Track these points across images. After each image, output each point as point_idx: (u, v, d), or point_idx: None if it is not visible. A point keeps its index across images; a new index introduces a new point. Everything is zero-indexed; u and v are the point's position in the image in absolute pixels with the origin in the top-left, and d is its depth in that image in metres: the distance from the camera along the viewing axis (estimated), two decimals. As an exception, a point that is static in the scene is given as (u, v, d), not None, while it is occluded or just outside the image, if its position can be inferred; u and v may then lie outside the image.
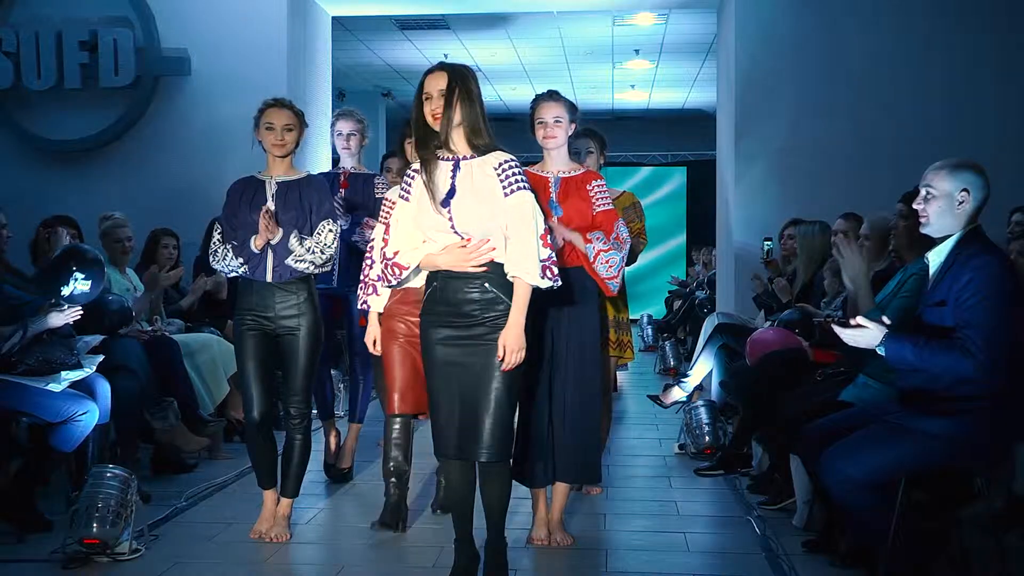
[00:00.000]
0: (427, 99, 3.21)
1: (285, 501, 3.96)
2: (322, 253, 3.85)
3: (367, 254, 4.17)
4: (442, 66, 3.30)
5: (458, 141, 3.20)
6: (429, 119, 3.20)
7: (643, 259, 5.02)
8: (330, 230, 3.88)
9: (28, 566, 3.60)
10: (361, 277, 4.13)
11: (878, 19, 6.56)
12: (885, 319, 3.13)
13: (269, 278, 3.82)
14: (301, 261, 3.80)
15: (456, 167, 3.20)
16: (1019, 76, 6.41)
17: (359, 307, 4.19)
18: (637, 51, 10.85)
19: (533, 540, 3.85)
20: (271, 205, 3.83)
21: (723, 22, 7.44)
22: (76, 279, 4.24)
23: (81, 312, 4.15)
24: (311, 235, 3.85)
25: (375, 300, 4.01)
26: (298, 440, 3.92)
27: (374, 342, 4.05)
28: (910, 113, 6.44)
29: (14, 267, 4.61)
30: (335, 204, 4.38)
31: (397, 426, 3.96)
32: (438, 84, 3.19)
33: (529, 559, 3.71)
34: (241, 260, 3.84)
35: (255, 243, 3.77)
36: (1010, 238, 4.07)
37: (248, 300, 3.87)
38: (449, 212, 3.14)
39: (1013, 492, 3.30)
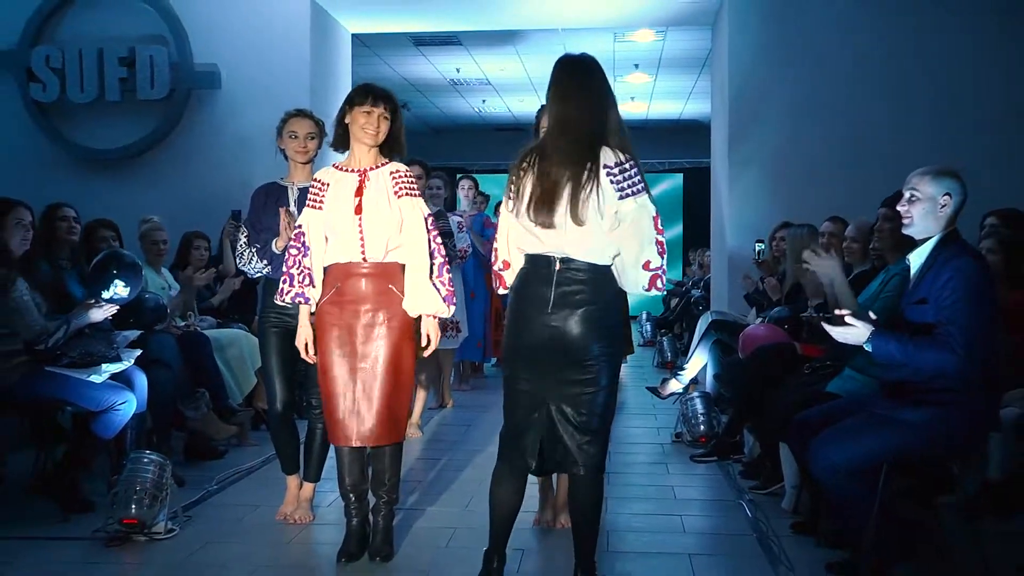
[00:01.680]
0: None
1: (308, 485, 3.97)
2: None
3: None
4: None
5: None
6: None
7: None
8: None
9: (73, 544, 3.62)
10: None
11: (861, 35, 6.53)
12: (872, 315, 3.12)
13: None
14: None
15: None
16: (997, 86, 6.38)
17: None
18: (637, 65, 10.85)
19: (540, 522, 3.86)
20: (293, 209, 3.83)
21: (716, 38, 7.43)
22: (116, 284, 4.25)
23: (117, 308, 4.18)
24: None
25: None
26: (319, 429, 3.90)
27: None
28: (892, 122, 6.42)
29: (78, 261, 4.64)
30: None
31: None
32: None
33: (535, 540, 3.72)
34: (265, 262, 3.85)
35: (276, 245, 3.76)
36: (982, 238, 4.06)
37: (272, 299, 3.85)
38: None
39: (987, 479, 3.28)
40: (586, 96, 2.92)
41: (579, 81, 2.95)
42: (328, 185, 3.39)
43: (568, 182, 2.82)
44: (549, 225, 2.83)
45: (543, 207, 2.83)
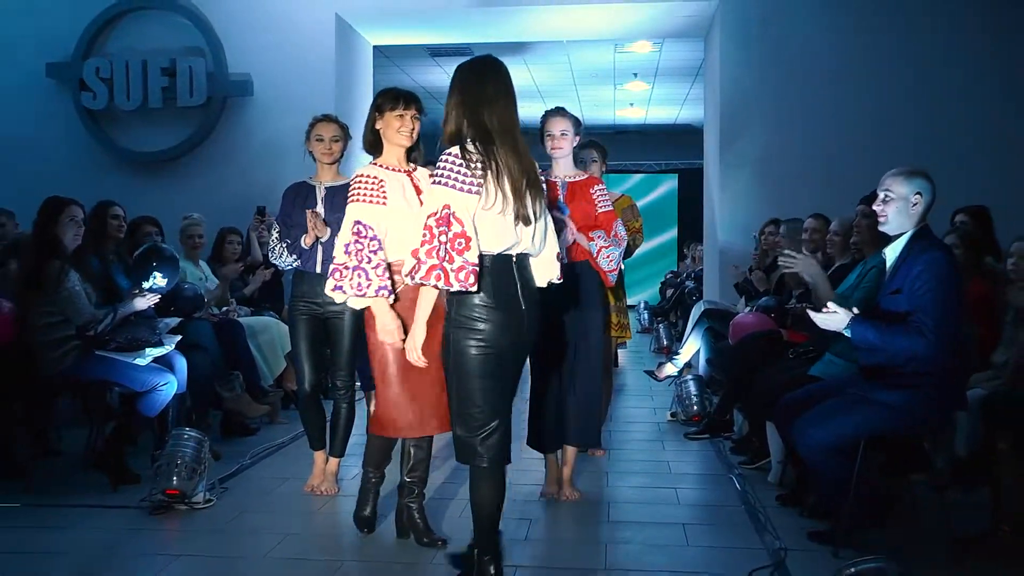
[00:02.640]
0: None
1: (333, 460, 3.97)
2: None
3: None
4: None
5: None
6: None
7: (640, 253, 5.00)
8: None
9: (121, 512, 3.65)
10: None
11: (844, 47, 6.51)
12: (855, 310, 3.12)
13: (318, 270, 3.79)
14: None
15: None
16: (968, 93, 6.36)
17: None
18: (635, 74, 10.79)
19: (546, 495, 3.87)
20: (320, 208, 3.84)
21: (709, 49, 7.40)
22: (155, 275, 4.28)
23: (159, 297, 4.20)
24: None
25: None
26: (344, 408, 3.92)
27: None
28: (871, 127, 6.40)
29: (124, 255, 4.67)
30: None
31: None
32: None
33: (542, 510, 3.73)
34: (295, 256, 3.86)
35: (305, 240, 3.76)
36: (947, 234, 4.06)
37: (300, 289, 3.87)
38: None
39: (954, 454, 3.29)
40: (514, 99, 2.75)
41: (508, 83, 2.74)
42: (384, 182, 3.18)
43: (529, 180, 2.68)
44: (527, 221, 2.68)
45: (520, 204, 2.64)
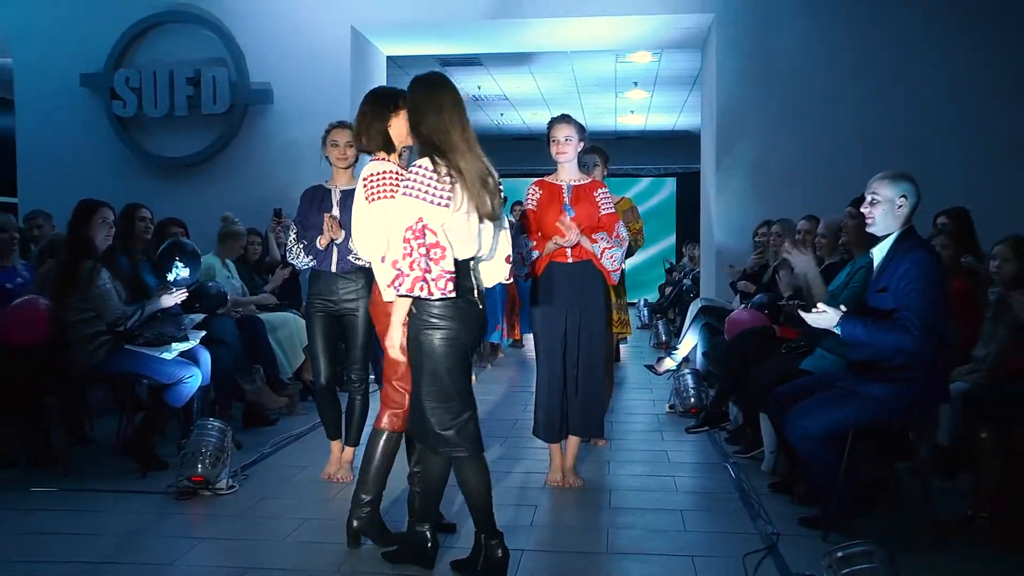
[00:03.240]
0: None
1: (349, 449, 3.98)
2: None
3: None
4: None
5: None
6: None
7: (640, 254, 5.00)
8: None
9: (149, 496, 3.68)
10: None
11: (834, 58, 6.50)
12: (843, 308, 3.12)
13: (333, 269, 3.81)
14: (360, 258, 3.78)
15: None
16: (953, 101, 6.35)
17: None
18: (636, 83, 10.78)
19: (550, 482, 3.88)
20: (335, 211, 3.85)
21: (706, 59, 7.38)
22: (178, 267, 4.33)
23: (186, 294, 4.23)
24: None
25: None
26: (358, 400, 3.92)
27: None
28: (859, 133, 6.40)
29: (151, 254, 4.70)
30: None
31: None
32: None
33: (547, 497, 3.74)
34: (311, 256, 3.86)
35: (320, 242, 3.77)
36: (934, 235, 4.06)
37: (317, 287, 3.87)
38: None
39: (937, 444, 3.29)
40: (464, 108, 2.74)
41: (456, 95, 2.73)
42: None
43: (494, 186, 2.69)
44: (492, 219, 2.71)
45: (483, 205, 2.64)
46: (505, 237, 2.85)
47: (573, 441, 3.87)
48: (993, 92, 6.31)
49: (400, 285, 2.57)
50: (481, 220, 2.68)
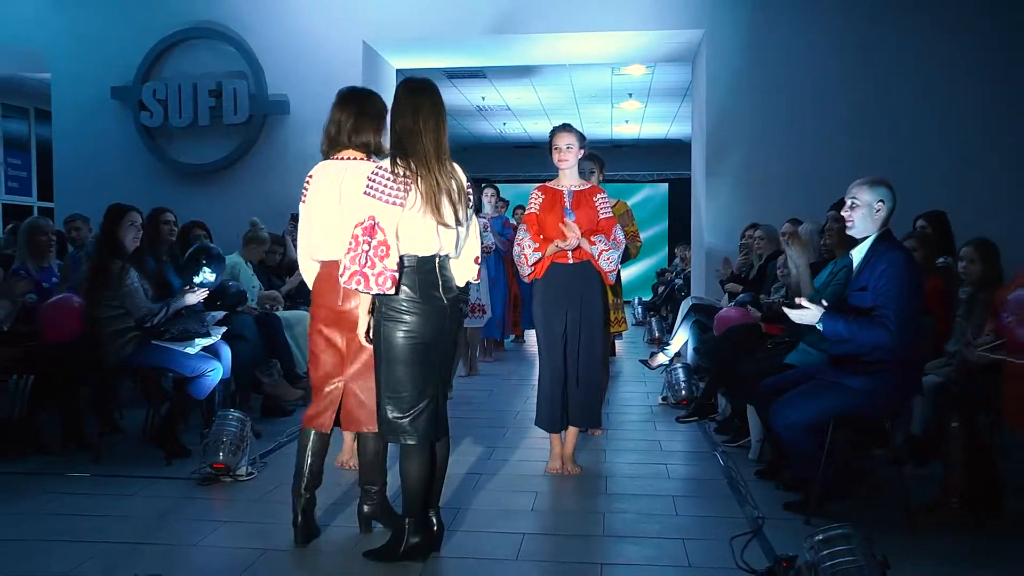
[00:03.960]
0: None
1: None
2: None
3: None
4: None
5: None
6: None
7: (638, 261, 5.00)
8: None
9: (174, 482, 3.69)
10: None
11: (819, 69, 6.50)
12: (824, 303, 3.13)
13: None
14: None
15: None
16: (932, 112, 6.35)
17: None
18: (630, 94, 10.78)
19: (550, 470, 3.88)
20: None
21: (696, 72, 7.39)
22: (204, 271, 4.34)
23: (207, 293, 4.23)
24: None
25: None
26: None
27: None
28: (841, 142, 6.39)
29: (176, 255, 4.72)
30: None
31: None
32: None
33: (547, 484, 3.74)
34: None
35: None
36: (906, 237, 4.08)
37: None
38: None
39: (910, 434, 3.29)
40: (444, 119, 2.74)
41: (440, 106, 2.73)
42: None
43: (450, 192, 2.67)
44: (447, 227, 2.67)
45: (438, 213, 2.64)
46: (474, 238, 2.86)
47: (572, 431, 3.87)
48: (969, 103, 6.31)
49: (341, 276, 2.60)
50: (438, 227, 2.66)
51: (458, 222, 2.70)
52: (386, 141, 2.92)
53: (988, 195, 6.08)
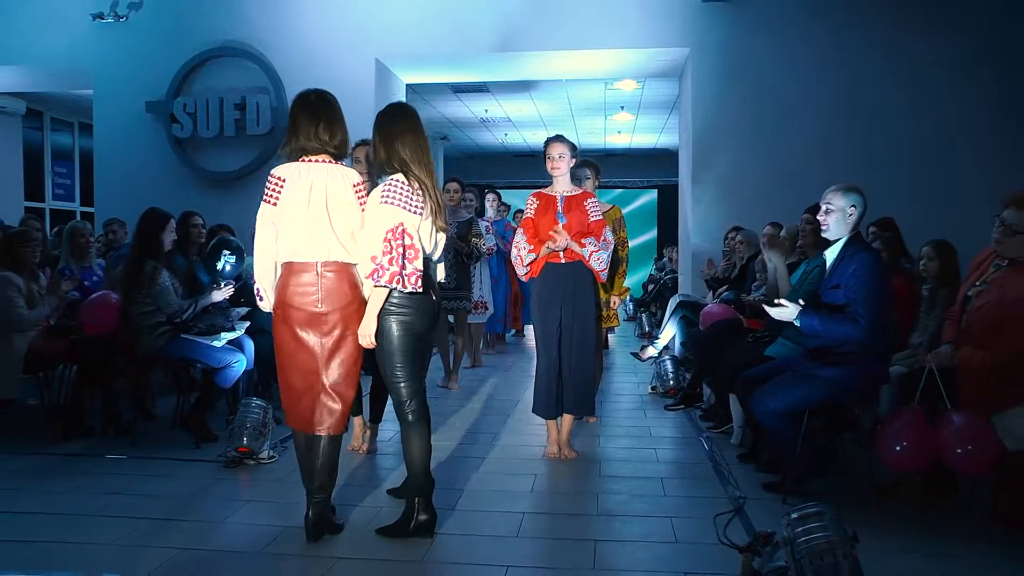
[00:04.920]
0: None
1: (372, 426, 3.97)
2: None
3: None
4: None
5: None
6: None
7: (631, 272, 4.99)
8: None
9: (202, 465, 3.71)
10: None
11: (798, 85, 6.50)
12: (801, 302, 3.13)
13: None
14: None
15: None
16: (904, 126, 6.35)
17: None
18: (622, 107, 10.76)
19: (548, 454, 3.89)
20: None
21: (683, 87, 7.38)
22: (227, 260, 4.40)
23: (232, 290, 4.25)
24: None
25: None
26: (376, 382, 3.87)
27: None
28: (817, 151, 6.38)
29: (204, 256, 4.73)
30: None
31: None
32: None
33: (545, 467, 3.75)
34: None
35: None
36: (873, 237, 4.09)
37: None
38: None
39: (878, 418, 3.30)
40: (423, 133, 2.87)
41: (416, 121, 2.86)
42: None
43: (436, 197, 2.80)
44: (443, 230, 2.85)
45: (441, 216, 2.82)
46: (442, 241, 2.93)
47: (568, 418, 3.88)
48: (938, 113, 6.30)
49: (380, 277, 2.64)
50: (437, 230, 2.83)
51: (443, 228, 2.85)
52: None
53: (952, 197, 6.07)
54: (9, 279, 4.08)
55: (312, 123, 2.79)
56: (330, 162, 2.80)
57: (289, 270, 2.73)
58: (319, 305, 2.71)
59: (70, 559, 2.63)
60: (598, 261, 3.76)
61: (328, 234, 2.68)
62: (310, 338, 2.72)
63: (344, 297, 2.72)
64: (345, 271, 2.73)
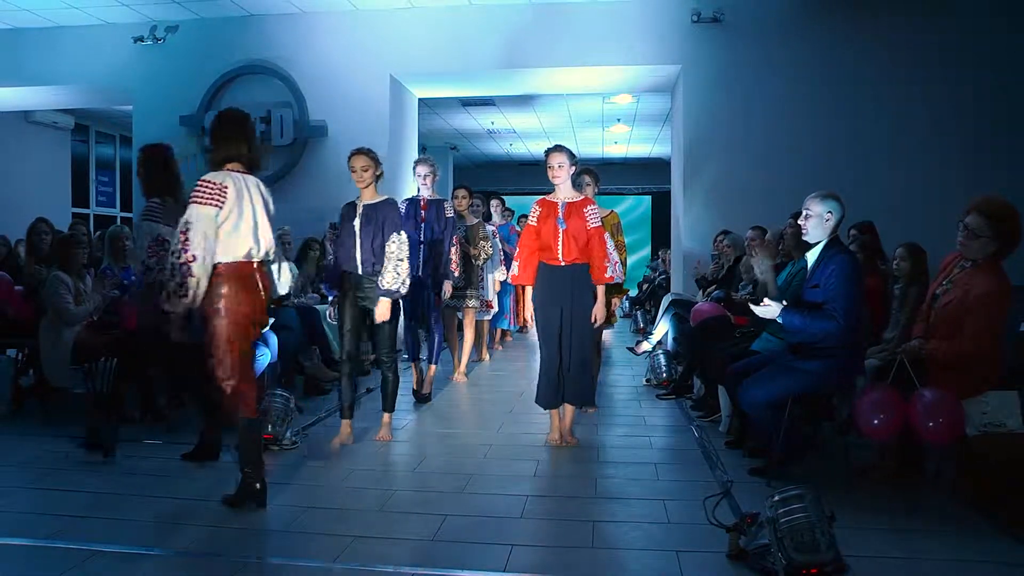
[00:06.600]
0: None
1: (386, 415, 3.94)
2: (397, 260, 3.67)
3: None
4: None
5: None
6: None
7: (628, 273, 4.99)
8: (393, 242, 3.68)
9: (230, 450, 3.66)
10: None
11: (784, 99, 6.51)
12: (784, 302, 3.14)
13: (359, 271, 3.77)
14: (395, 273, 3.67)
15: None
16: (885, 139, 6.35)
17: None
18: (619, 119, 10.78)
19: (550, 441, 3.89)
20: (357, 221, 3.73)
21: (675, 101, 7.39)
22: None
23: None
24: (384, 241, 3.69)
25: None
26: (390, 375, 3.88)
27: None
28: (801, 161, 6.39)
29: None
30: (399, 218, 3.81)
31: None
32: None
33: (547, 453, 3.75)
34: (334, 250, 3.82)
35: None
36: (852, 239, 4.10)
37: (349, 283, 3.79)
38: None
39: (854, 407, 3.31)
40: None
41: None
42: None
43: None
44: None
45: None
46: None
47: (569, 408, 3.88)
48: (914, 123, 6.29)
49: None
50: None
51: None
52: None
53: (928, 201, 6.06)
54: (60, 278, 4.15)
55: (236, 139, 3.02)
56: (245, 171, 2.97)
57: (235, 269, 2.84)
58: (264, 300, 2.88)
59: (113, 533, 2.66)
60: (611, 270, 3.82)
61: (269, 236, 2.86)
62: (254, 331, 2.91)
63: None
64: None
